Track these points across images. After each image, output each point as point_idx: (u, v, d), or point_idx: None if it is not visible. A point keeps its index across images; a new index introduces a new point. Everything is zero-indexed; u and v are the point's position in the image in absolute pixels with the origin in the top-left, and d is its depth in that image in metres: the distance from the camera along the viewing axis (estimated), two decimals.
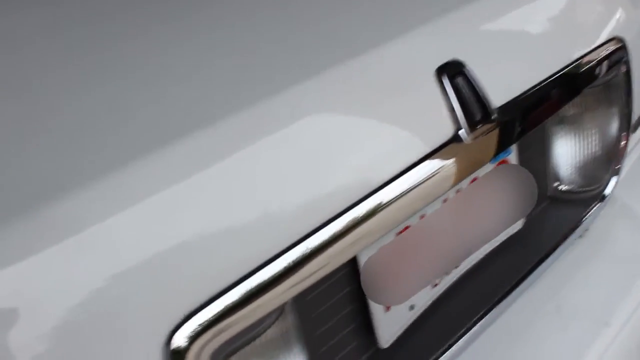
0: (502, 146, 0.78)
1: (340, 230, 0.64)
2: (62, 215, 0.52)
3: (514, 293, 0.93)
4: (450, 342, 0.85)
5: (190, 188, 0.57)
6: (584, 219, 1.03)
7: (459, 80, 0.72)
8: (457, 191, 0.85)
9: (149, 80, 0.66)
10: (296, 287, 0.62)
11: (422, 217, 0.81)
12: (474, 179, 0.87)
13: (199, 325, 0.56)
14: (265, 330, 0.66)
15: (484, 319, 0.89)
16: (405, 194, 0.70)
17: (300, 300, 0.71)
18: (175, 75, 0.66)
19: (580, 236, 1.07)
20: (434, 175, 0.71)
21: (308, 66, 0.68)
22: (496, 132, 0.76)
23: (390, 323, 0.82)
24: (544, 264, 0.98)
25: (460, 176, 0.75)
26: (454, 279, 0.90)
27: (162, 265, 0.55)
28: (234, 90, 0.64)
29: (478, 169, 0.78)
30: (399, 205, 0.70)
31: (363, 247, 0.67)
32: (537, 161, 0.99)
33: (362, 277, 0.74)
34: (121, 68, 0.67)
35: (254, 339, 0.65)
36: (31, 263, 0.50)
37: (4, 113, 0.61)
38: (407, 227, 0.78)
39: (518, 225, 0.98)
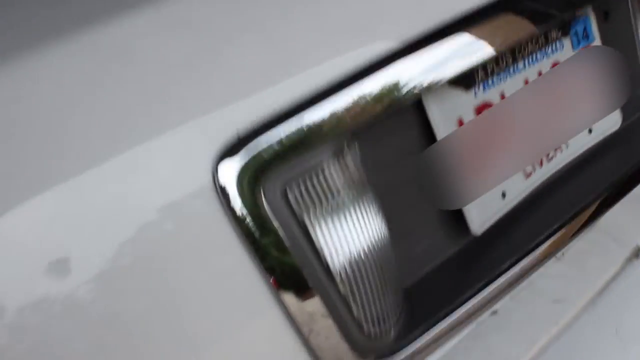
0: None
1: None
2: None
3: (612, 195, 0.87)
4: (545, 236, 0.80)
5: None
6: None
7: None
8: (539, 73, 0.83)
9: None
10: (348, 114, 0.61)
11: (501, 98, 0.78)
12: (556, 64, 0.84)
13: (251, 148, 0.56)
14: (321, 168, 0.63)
15: (580, 216, 0.83)
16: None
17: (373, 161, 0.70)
18: None
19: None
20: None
21: None
22: None
23: (481, 209, 0.78)
24: None
25: None
26: (550, 172, 0.85)
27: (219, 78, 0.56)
28: None
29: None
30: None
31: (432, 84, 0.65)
32: (627, 55, 0.93)
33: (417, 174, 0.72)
34: None
35: (310, 173, 0.62)
36: None
37: None
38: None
39: (615, 125, 0.92)
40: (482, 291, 0.72)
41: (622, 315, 0.93)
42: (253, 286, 0.58)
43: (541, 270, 0.94)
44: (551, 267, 0.98)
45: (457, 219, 0.78)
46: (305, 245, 0.60)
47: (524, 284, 0.93)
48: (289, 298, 0.59)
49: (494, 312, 0.91)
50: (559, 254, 1.01)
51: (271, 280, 0.58)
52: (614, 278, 0.96)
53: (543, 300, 0.94)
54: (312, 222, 0.61)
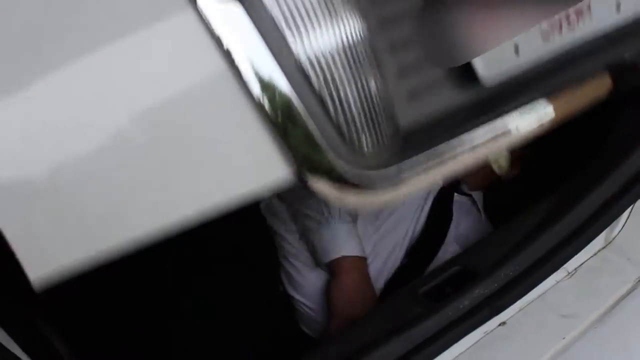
0: None
1: None
2: None
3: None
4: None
5: None
6: None
7: None
8: None
9: None
10: None
11: None
12: None
13: None
14: None
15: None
16: None
17: None
18: None
19: None
20: None
21: None
22: None
23: (491, 61, 0.73)
24: None
25: None
26: (571, 42, 0.79)
27: None
28: None
29: None
30: None
31: None
32: None
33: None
34: None
35: None
36: None
37: None
38: None
39: None
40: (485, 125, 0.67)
41: (631, 332, 0.93)
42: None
43: (552, 284, 0.98)
44: (562, 282, 0.99)
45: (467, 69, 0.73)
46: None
47: (534, 296, 0.96)
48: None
49: (503, 323, 0.94)
50: (571, 270, 1.01)
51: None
52: (624, 297, 0.97)
53: (552, 314, 0.95)
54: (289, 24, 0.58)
